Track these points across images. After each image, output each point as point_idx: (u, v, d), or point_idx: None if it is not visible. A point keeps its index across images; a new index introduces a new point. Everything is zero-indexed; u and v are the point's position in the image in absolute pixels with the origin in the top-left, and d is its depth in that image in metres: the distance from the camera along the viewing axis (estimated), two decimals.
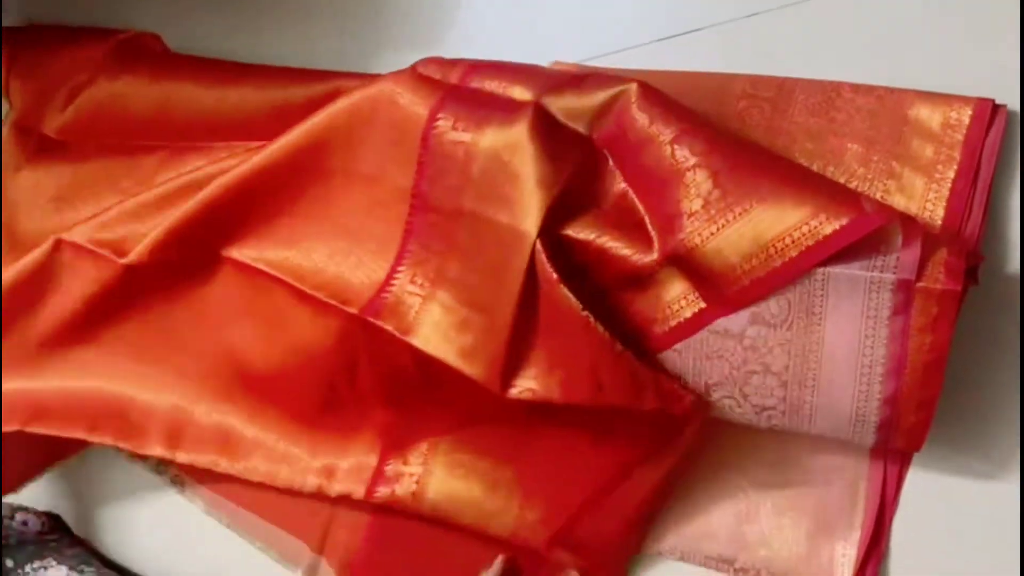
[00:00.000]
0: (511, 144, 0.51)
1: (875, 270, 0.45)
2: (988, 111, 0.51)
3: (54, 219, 0.65)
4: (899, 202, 0.51)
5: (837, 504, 0.54)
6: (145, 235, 0.58)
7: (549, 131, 0.51)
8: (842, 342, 0.46)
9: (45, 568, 0.63)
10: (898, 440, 0.48)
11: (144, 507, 0.69)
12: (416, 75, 0.56)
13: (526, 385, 0.51)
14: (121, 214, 0.60)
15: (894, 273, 0.45)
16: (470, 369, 0.51)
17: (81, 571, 0.64)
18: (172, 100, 0.66)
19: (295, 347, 0.59)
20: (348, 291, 0.55)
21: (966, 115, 0.51)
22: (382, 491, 0.57)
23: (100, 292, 0.61)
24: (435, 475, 0.56)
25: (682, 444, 0.53)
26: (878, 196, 0.51)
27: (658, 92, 0.52)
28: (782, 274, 0.46)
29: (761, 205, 0.46)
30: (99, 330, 0.62)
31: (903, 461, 0.53)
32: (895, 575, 0.53)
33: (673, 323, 0.50)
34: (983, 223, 0.50)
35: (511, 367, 0.51)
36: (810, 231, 0.45)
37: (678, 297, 0.50)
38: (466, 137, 0.52)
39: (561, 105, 0.53)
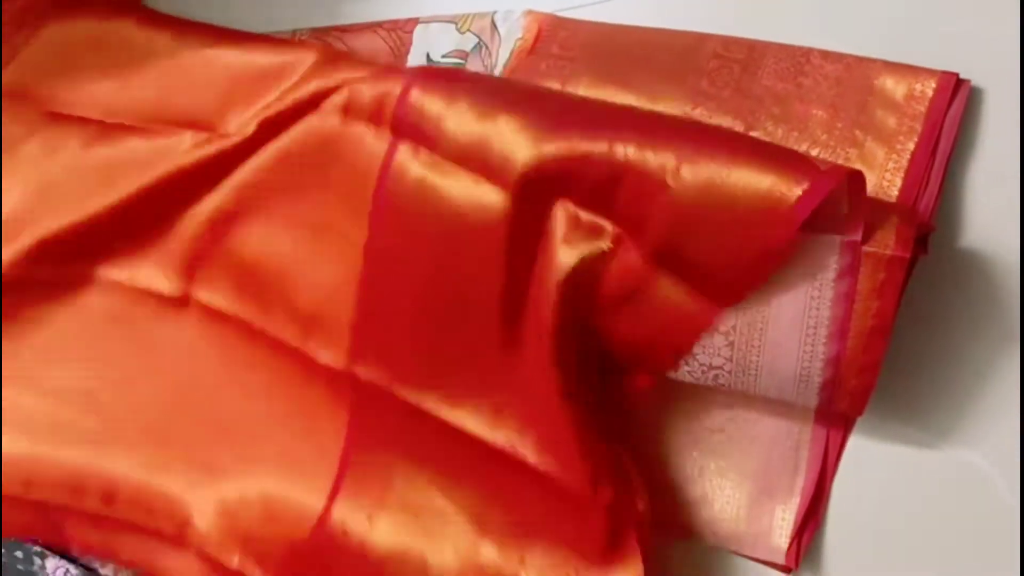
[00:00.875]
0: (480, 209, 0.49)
1: (823, 231, 0.45)
2: (952, 85, 0.51)
3: None
4: None
5: (779, 469, 0.55)
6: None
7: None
8: (789, 302, 0.46)
9: None
10: (841, 402, 0.48)
11: None
12: (370, 102, 0.53)
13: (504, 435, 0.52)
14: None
15: (842, 234, 0.45)
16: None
17: None
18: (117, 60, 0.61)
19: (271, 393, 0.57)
20: (322, 329, 0.54)
21: (930, 88, 0.51)
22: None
23: None
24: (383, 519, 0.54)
25: None
26: (839, 163, 0.51)
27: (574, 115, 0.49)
28: (772, 248, 0.45)
29: (726, 185, 0.44)
30: None
31: (845, 429, 0.54)
32: (831, 540, 0.54)
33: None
34: (938, 196, 0.50)
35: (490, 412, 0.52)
36: (780, 199, 0.44)
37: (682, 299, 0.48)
38: (427, 186, 0.50)
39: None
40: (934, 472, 0.52)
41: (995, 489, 0.52)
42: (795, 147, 0.52)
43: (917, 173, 0.50)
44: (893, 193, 0.50)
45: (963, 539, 0.52)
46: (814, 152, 0.52)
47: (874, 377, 0.46)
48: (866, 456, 0.53)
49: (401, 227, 0.51)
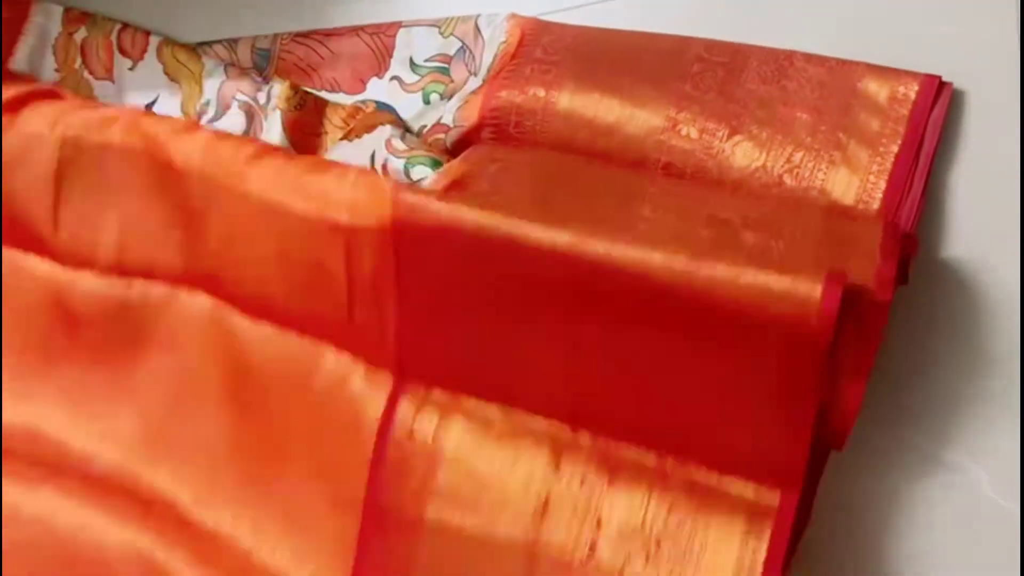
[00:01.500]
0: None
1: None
2: (934, 88, 0.51)
3: None
4: (843, 174, 0.51)
5: None
6: None
7: None
8: None
9: None
10: (823, 441, 0.47)
11: None
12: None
13: None
14: None
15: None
16: None
17: None
18: None
19: None
20: None
21: (912, 90, 0.51)
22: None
23: None
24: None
25: None
26: (824, 166, 0.51)
27: None
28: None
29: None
30: None
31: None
32: (826, 544, 0.54)
33: None
34: (922, 198, 0.50)
35: None
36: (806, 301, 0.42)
37: None
38: (429, 435, 0.50)
39: None
40: (926, 477, 0.53)
41: (987, 493, 0.52)
42: (780, 150, 0.52)
43: (901, 175, 0.50)
44: (877, 196, 0.50)
45: (958, 542, 0.52)
46: (799, 155, 0.52)
47: (854, 417, 0.45)
48: (860, 463, 0.53)
49: (400, 475, 0.51)
